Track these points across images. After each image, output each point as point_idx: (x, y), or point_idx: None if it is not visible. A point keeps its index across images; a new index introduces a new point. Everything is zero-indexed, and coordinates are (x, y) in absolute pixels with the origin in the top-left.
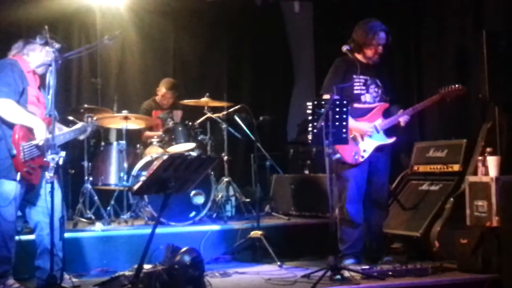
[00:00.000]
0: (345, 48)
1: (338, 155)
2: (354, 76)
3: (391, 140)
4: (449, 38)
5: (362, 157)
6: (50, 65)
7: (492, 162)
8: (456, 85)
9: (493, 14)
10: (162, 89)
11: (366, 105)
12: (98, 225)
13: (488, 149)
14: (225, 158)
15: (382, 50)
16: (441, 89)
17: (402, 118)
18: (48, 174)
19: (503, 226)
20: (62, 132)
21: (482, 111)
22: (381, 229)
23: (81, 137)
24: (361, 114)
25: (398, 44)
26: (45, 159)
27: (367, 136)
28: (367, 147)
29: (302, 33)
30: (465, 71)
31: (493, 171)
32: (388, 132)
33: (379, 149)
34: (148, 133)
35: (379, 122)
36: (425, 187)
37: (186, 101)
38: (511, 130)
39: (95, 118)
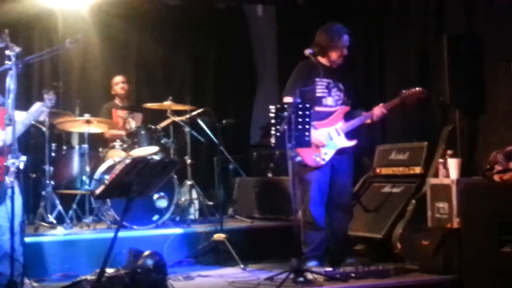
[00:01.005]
0: (308, 51)
1: (299, 158)
2: (317, 79)
3: (352, 142)
4: (411, 41)
5: (323, 159)
6: (10, 69)
7: (453, 165)
8: (417, 88)
9: (454, 18)
10: (114, 80)
11: (328, 108)
12: (60, 230)
13: (449, 152)
14: (188, 161)
15: (346, 52)
16: (402, 92)
17: (377, 112)
18: (8, 179)
19: (464, 227)
20: (21, 120)
21: (443, 114)
22: (345, 232)
23: (41, 118)
24: (322, 117)
25: (361, 47)
26: (4, 163)
27: (322, 146)
28: (328, 150)
29: (266, 36)
30: (427, 74)
31: (454, 174)
32: (349, 135)
33: (340, 152)
34: (111, 131)
35: (340, 125)
36: (387, 189)
37: (149, 105)
38: (471, 133)
39: (51, 92)
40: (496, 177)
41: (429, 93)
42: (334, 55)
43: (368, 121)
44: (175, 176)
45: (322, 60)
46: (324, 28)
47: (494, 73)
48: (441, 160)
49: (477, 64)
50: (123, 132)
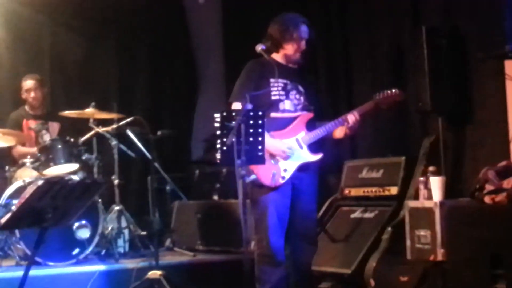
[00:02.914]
0: (259, 47)
1: (253, 177)
2: (271, 80)
3: (317, 157)
4: (382, 35)
5: (283, 178)
6: None
7: (436, 184)
8: (392, 90)
9: (433, 7)
10: (24, 84)
11: (286, 114)
12: None
13: (431, 168)
14: (116, 182)
15: (304, 46)
16: (375, 95)
17: (350, 117)
18: None
19: (449, 260)
20: None
21: (423, 123)
22: (309, 267)
23: None
24: (280, 125)
25: (322, 43)
26: None
27: (283, 158)
28: (288, 166)
29: (209, 29)
30: (402, 74)
31: (437, 195)
32: (313, 147)
33: (303, 168)
34: (20, 148)
35: (302, 135)
36: (358, 214)
37: (67, 113)
38: (457, 145)
39: None
40: (487, 199)
41: (406, 96)
42: (290, 49)
43: (339, 134)
44: (100, 200)
45: (277, 57)
46: (276, 19)
47: (482, 73)
48: (421, 178)
49: (462, 63)
50: (34, 149)
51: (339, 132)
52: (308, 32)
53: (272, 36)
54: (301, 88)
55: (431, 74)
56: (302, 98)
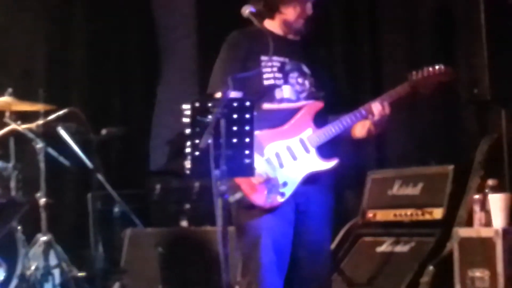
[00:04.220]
0: (247, 10)
1: (239, 195)
2: (263, 58)
3: (331, 164)
4: None
5: (282, 195)
6: None
7: (497, 204)
8: (436, 67)
9: None
10: None
11: (285, 105)
12: None
13: (491, 182)
14: (42, 201)
15: (311, 9)
16: (411, 75)
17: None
18: None
19: None
20: None
21: (479, 117)
22: None
23: None
24: (276, 120)
25: (340, 7)
26: None
27: (282, 163)
28: (289, 177)
29: None
30: (450, 48)
31: (499, 219)
32: (325, 151)
33: (310, 180)
34: None
35: (309, 133)
36: (387, 247)
37: None
38: None
39: None
40: None
41: (458, 76)
42: (290, 14)
43: (360, 132)
44: (19, 228)
45: (272, 25)
46: None
47: None
48: (477, 196)
49: None
50: None
51: (361, 130)
52: None
53: None
54: (305, 69)
55: (492, 47)
56: (307, 82)
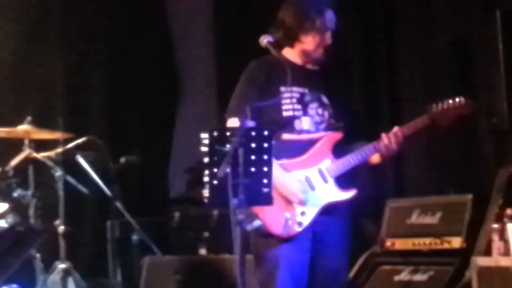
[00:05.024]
0: (265, 39)
1: (257, 223)
2: (283, 89)
3: (349, 194)
4: (441, 24)
5: (300, 224)
6: None
7: None
8: (456, 99)
9: None
10: None
11: (304, 136)
12: None
13: (509, 211)
14: (61, 229)
15: (330, 39)
16: (431, 107)
17: (388, 141)
18: None
19: None
20: None
21: (498, 147)
22: None
23: None
24: (295, 151)
25: (357, 36)
26: None
27: (297, 201)
28: (307, 207)
29: (196, 18)
30: (468, 78)
31: None
32: (343, 181)
33: (328, 210)
34: None
35: (327, 164)
36: (406, 275)
37: None
38: None
39: None
40: None
41: (476, 108)
42: (309, 43)
43: (375, 158)
44: (38, 255)
45: (291, 54)
46: (291, 0)
47: None
48: (496, 225)
49: None
50: None
51: (376, 156)
52: (335, 20)
53: (285, 24)
54: (324, 99)
55: (510, 77)
56: (326, 113)
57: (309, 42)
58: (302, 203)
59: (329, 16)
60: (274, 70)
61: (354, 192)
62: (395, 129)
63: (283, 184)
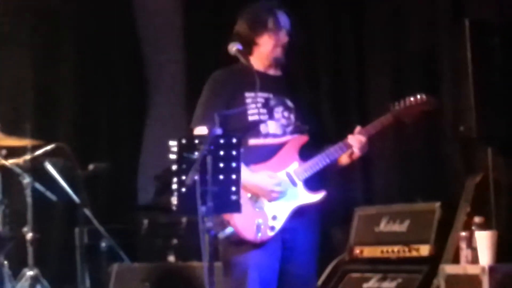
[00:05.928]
0: (234, 47)
1: (230, 230)
2: (248, 94)
3: (318, 196)
4: (409, 32)
5: (272, 229)
6: None
7: (484, 241)
8: (417, 96)
9: None
10: None
11: (270, 140)
12: None
13: (477, 219)
14: (29, 235)
15: (286, 37)
16: (394, 105)
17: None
18: None
19: None
20: None
21: (465, 155)
22: None
23: None
24: (262, 155)
25: (324, 41)
26: None
27: (271, 199)
28: (278, 211)
29: (165, 20)
30: (436, 86)
31: (485, 256)
32: (311, 183)
33: (298, 214)
34: None
35: (295, 167)
36: (374, 283)
37: None
38: None
39: None
40: None
41: (440, 106)
42: (266, 43)
43: (344, 159)
44: (6, 263)
45: (254, 62)
46: (243, 12)
47: None
48: (463, 233)
49: None
50: None
51: (346, 158)
52: (288, 21)
53: (240, 33)
54: (289, 103)
55: (478, 86)
56: (292, 116)
57: (265, 42)
58: (275, 199)
59: (281, 15)
60: (240, 77)
61: (323, 193)
62: (357, 129)
63: (255, 184)
